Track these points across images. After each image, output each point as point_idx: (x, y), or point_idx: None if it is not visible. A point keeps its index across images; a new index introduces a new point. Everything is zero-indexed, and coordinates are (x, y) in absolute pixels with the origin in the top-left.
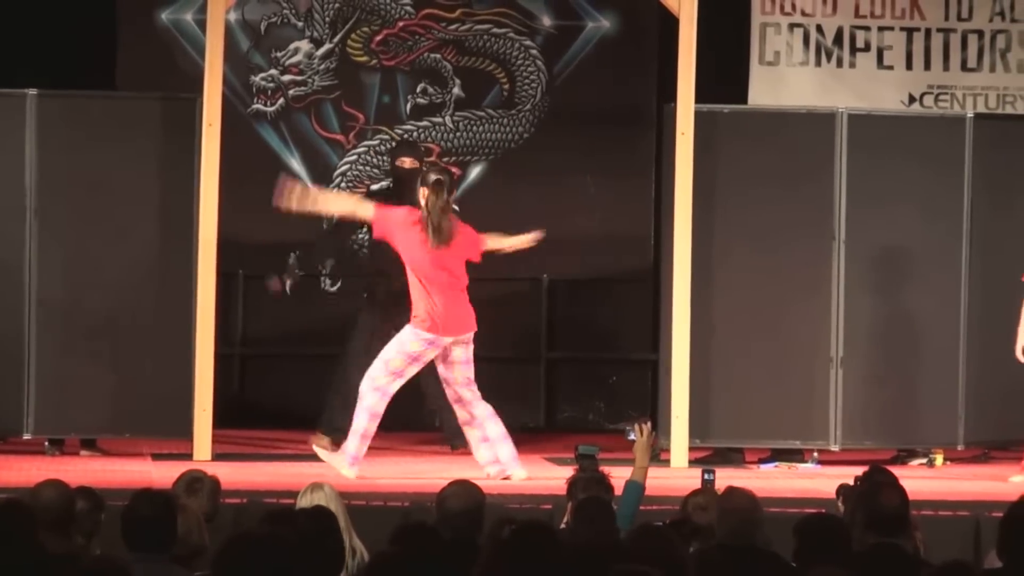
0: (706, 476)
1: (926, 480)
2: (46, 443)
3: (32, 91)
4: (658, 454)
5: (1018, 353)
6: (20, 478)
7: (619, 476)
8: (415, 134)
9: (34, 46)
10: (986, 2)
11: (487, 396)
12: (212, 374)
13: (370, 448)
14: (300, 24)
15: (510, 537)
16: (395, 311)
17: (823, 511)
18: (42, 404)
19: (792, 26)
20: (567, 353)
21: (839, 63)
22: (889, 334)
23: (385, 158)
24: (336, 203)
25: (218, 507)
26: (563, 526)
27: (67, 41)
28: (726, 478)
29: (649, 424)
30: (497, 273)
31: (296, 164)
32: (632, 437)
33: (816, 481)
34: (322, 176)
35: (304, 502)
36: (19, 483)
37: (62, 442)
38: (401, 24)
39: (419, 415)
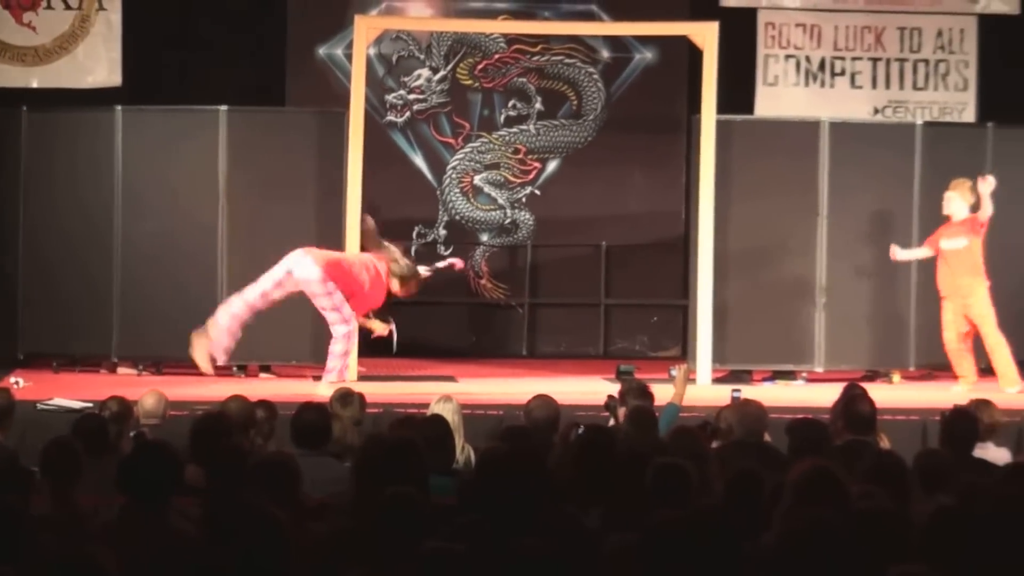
0: (734, 394)
1: (887, 393)
2: (234, 368)
3: (223, 107)
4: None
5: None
6: (213, 394)
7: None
8: (505, 137)
9: (223, 74)
10: (931, 39)
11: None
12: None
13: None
14: (422, 56)
15: (580, 437)
16: None
17: (810, 416)
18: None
19: (787, 56)
20: (620, 300)
21: (822, 84)
22: (859, 284)
23: (486, 156)
24: None
25: (364, 416)
26: (611, 424)
27: (247, 70)
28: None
29: (687, 365)
30: (568, 241)
31: (419, 160)
32: (674, 373)
33: (805, 393)
34: (438, 169)
35: (436, 408)
36: (212, 398)
37: (245, 367)
38: (497, 56)
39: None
